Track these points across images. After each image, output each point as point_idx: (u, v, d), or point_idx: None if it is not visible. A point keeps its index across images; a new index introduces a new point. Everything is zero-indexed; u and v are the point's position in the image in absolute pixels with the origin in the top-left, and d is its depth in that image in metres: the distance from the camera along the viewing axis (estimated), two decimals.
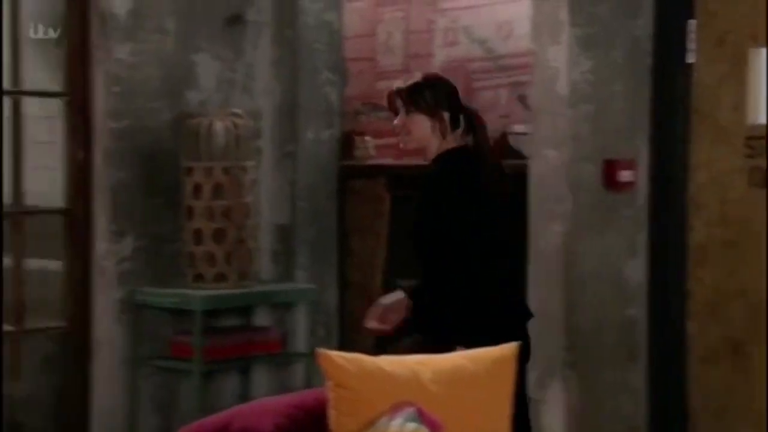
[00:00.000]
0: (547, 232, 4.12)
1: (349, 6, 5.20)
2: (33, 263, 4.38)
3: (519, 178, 4.22)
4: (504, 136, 4.86)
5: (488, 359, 3.01)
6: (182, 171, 4.48)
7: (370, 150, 5.19)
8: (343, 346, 4.74)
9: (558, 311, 4.10)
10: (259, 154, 4.75)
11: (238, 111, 4.59)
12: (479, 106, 5.35)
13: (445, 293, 3.41)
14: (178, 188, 4.46)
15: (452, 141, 3.51)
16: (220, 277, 4.49)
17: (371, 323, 3.58)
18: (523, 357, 3.29)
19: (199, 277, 4.48)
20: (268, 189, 4.82)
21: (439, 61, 5.37)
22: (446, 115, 3.51)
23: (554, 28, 4.07)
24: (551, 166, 4.12)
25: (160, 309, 4.45)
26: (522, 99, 5.04)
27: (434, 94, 3.52)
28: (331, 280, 4.97)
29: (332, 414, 2.84)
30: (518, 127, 4.90)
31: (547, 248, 4.11)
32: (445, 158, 3.48)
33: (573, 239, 4.11)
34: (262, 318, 4.79)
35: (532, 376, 4.04)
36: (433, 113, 3.50)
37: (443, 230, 3.41)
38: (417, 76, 3.58)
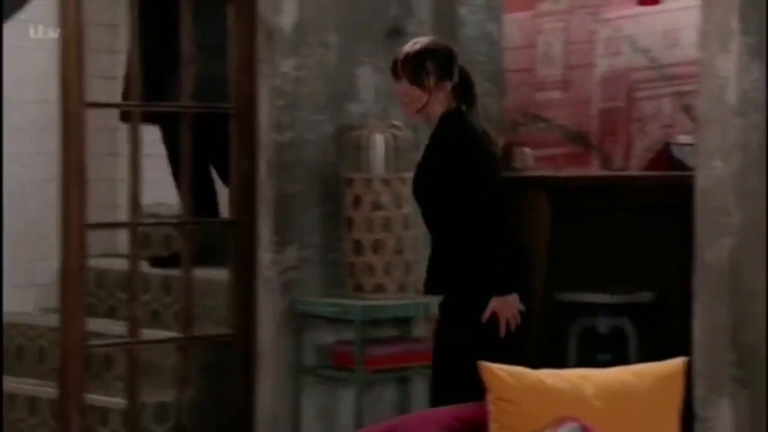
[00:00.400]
0: (714, 245, 4.01)
1: (508, 17, 5.18)
2: (201, 272, 4.49)
3: (684, 189, 4.13)
4: (667, 146, 4.76)
5: (655, 374, 2.95)
6: (343, 182, 4.53)
7: (529, 161, 5.15)
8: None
9: (726, 326, 3.98)
10: None
11: (398, 123, 4.62)
12: (641, 116, 5.28)
13: (465, 244, 3.53)
14: (339, 199, 4.51)
15: (452, 104, 3.63)
16: (379, 288, 4.53)
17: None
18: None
19: (358, 288, 4.53)
20: None
21: (600, 71, 5.31)
22: (448, 85, 3.61)
23: (724, 36, 3.96)
24: (718, 177, 4.01)
25: (322, 318, 4.50)
26: (686, 109, 4.93)
27: (436, 64, 3.61)
28: None
29: (493, 427, 2.83)
30: (682, 138, 4.79)
31: (715, 261, 4.00)
32: (454, 117, 3.59)
33: (742, 253, 3.99)
34: (420, 329, 4.80)
35: (697, 393, 3.93)
36: (433, 86, 3.59)
37: (461, 182, 3.53)
38: (419, 44, 3.65)
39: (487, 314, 3.58)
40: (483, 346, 3.47)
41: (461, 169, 3.55)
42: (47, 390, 4.41)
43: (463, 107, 3.65)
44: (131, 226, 4.20)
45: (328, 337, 4.58)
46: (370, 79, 4.69)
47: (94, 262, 4.46)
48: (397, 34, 4.76)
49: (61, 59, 4.03)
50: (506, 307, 3.59)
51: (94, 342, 4.31)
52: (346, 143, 4.54)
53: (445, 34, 4.84)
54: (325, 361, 4.56)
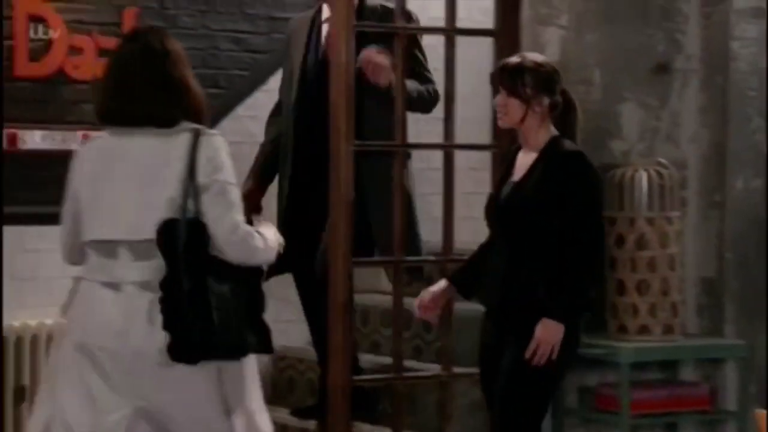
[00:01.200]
0: None
1: None
2: (461, 308, 4.52)
3: None
4: None
5: None
6: (605, 221, 4.47)
7: None
8: None
9: None
10: (684, 204, 4.65)
11: (663, 160, 4.53)
12: None
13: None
14: None
15: (550, 125, 3.51)
16: (644, 330, 4.43)
17: (416, 311, 3.68)
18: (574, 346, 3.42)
19: (622, 329, 4.45)
20: (693, 240, 4.69)
21: None
22: (545, 101, 3.48)
23: None
24: None
25: (584, 359, 4.44)
26: None
27: (534, 79, 3.49)
28: (762, 335, 4.74)
29: None
30: None
31: None
32: (580, 153, 3.49)
33: None
34: (687, 373, 4.65)
35: None
36: (530, 99, 3.48)
37: (576, 213, 3.45)
38: (521, 57, 3.55)
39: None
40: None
41: (580, 201, 3.47)
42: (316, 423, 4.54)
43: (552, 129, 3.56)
44: (395, 263, 4.28)
45: (589, 378, 4.51)
46: (634, 116, 4.63)
47: (358, 298, 4.58)
48: (664, 70, 4.67)
49: (331, 103, 4.16)
50: (547, 332, 3.40)
51: (360, 377, 4.41)
52: (608, 181, 4.48)
53: (716, 68, 4.72)
54: (588, 403, 4.49)
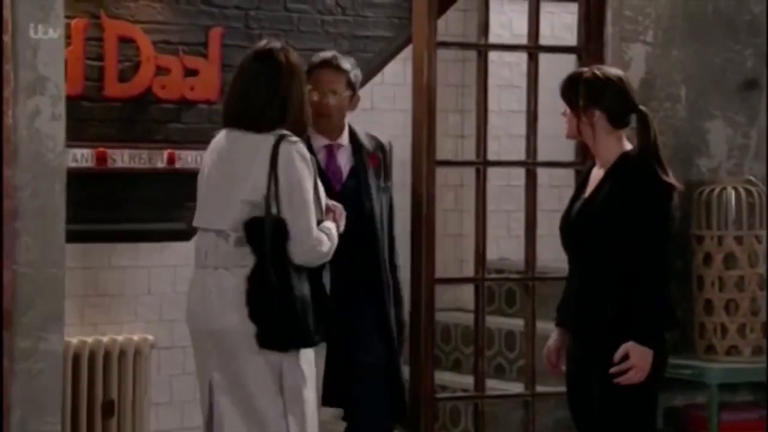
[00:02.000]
0: None
1: None
2: (544, 327, 4.48)
3: None
4: None
5: None
6: (692, 239, 4.40)
7: None
8: None
9: None
10: None
11: (752, 178, 4.45)
12: None
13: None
14: (688, 257, 4.38)
15: (620, 140, 3.44)
16: (733, 350, 4.35)
17: (546, 370, 3.66)
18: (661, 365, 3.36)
19: (710, 349, 4.37)
20: None
21: None
22: (596, 113, 3.39)
23: None
24: None
25: (671, 380, 4.36)
26: None
27: (588, 91, 3.41)
28: None
29: None
30: None
31: None
32: (648, 167, 3.37)
33: None
34: None
35: None
36: (581, 110, 3.42)
37: (643, 228, 3.37)
38: (584, 68, 3.50)
39: (619, 355, 3.35)
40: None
41: (648, 217, 3.40)
42: None
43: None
44: (477, 281, 4.27)
45: (677, 399, 4.44)
46: (721, 133, 4.55)
47: (440, 316, 4.56)
48: (753, 86, 4.59)
49: (413, 120, 4.19)
50: (640, 359, 3.35)
51: (441, 394, 4.39)
52: (695, 199, 4.41)
53: None
54: (675, 424, 4.42)
